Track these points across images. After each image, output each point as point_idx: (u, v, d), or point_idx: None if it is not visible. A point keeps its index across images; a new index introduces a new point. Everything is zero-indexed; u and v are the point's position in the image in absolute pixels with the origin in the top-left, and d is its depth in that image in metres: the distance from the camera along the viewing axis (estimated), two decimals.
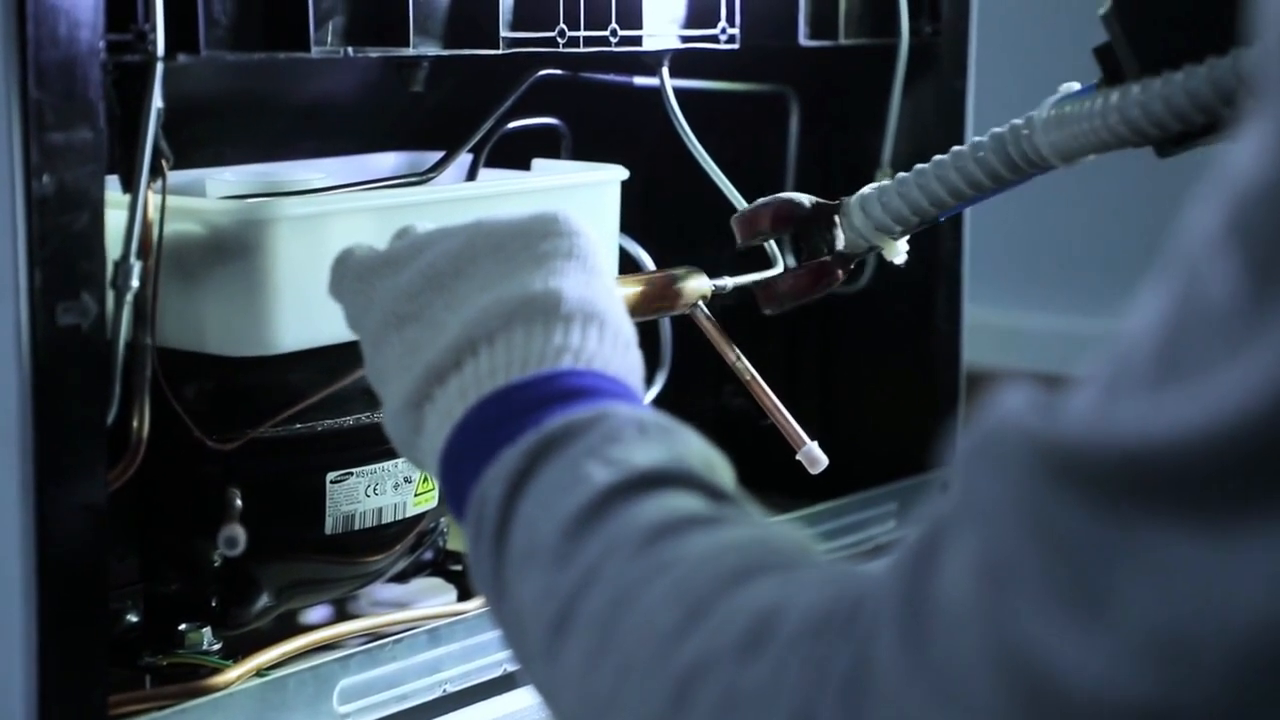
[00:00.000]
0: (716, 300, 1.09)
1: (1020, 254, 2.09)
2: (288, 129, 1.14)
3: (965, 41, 1.30)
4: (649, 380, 1.24)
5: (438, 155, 1.11)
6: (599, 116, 1.21)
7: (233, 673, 0.92)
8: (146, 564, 0.97)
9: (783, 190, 1.33)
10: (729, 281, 1.11)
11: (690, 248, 1.30)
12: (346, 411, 0.96)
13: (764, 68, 1.29)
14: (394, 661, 0.97)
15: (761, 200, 0.94)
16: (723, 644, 0.50)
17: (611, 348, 0.69)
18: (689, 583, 0.53)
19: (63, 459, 0.79)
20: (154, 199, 0.85)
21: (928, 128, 1.30)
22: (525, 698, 0.97)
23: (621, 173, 1.12)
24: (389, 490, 0.99)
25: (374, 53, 0.94)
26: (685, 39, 1.11)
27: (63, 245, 0.78)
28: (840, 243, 0.92)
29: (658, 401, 1.23)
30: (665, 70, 1.12)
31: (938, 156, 0.88)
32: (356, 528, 0.98)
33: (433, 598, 1.09)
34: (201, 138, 1.06)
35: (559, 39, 1.03)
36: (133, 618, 0.97)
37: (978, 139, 0.86)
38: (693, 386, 1.34)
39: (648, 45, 1.09)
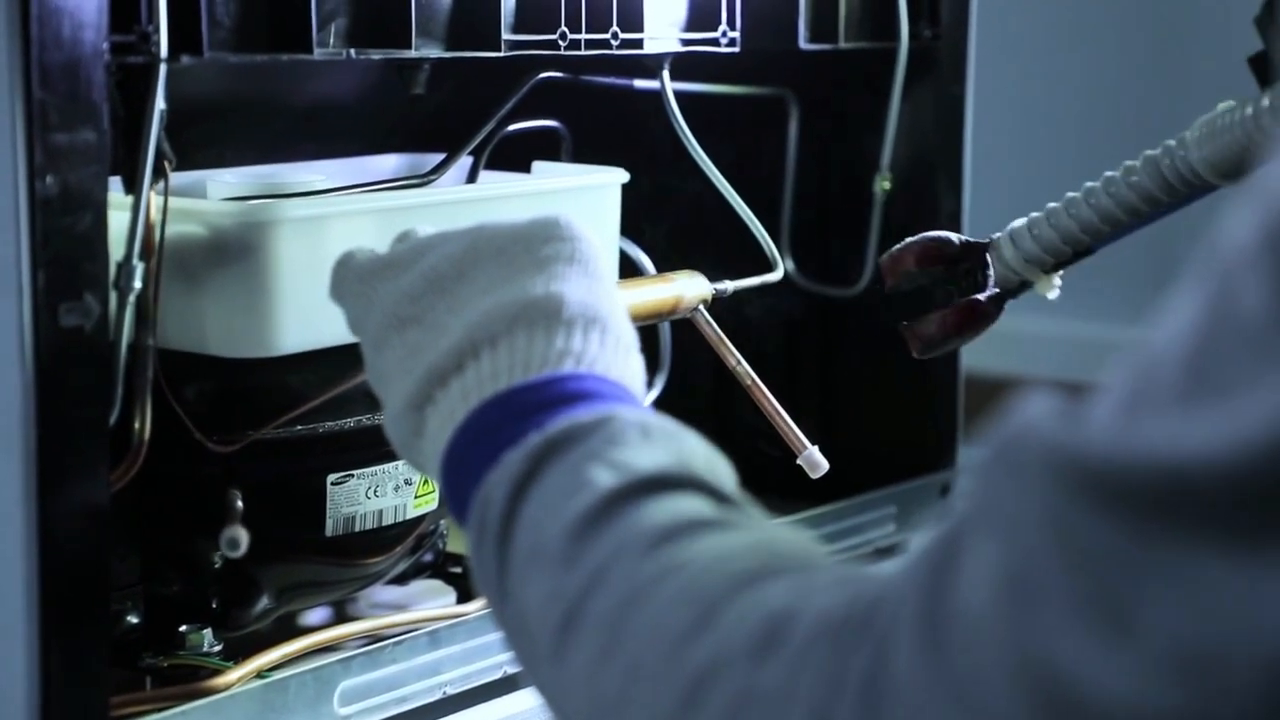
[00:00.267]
0: (716, 304, 1.09)
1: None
2: (288, 131, 1.14)
3: (964, 46, 1.30)
4: (649, 383, 1.24)
5: (438, 157, 1.11)
6: (599, 119, 1.21)
7: (233, 674, 0.92)
8: (147, 565, 0.97)
9: (782, 196, 1.33)
10: (729, 285, 1.12)
11: (690, 250, 1.31)
12: (347, 413, 0.97)
13: (764, 71, 1.29)
14: (394, 663, 0.97)
15: (907, 240, 0.91)
16: (735, 645, 0.50)
17: (613, 352, 0.69)
18: (699, 584, 0.53)
19: (65, 460, 0.79)
20: (156, 200, 0.85)
21: (927, 131, 1.30)
22: (526, 700, 0.97)
23: (622, 175, 1.12)
24: (390, 492, 0.99)
25: (376, 55, 0.94)
26: (686, 42, 1.12)
27: (66, 246, 0.78)
28: (991, 280, 0.89)
29: (657, 404, 1.23)
30: (666, 73, 1.13)
31: (1088, 184, 0.85)
32: (357, 530, 0.98)
33: (433, 600, 1.09)
34: (202, 139, 1.06)
35: (560, 41, 1.03)
36: (133, 619, 0.97)
37: (1129, 163, 0.83)
38: (692, 390, 1.35)
39: (649, 48, 1.09)
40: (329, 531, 0.97)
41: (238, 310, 0.92)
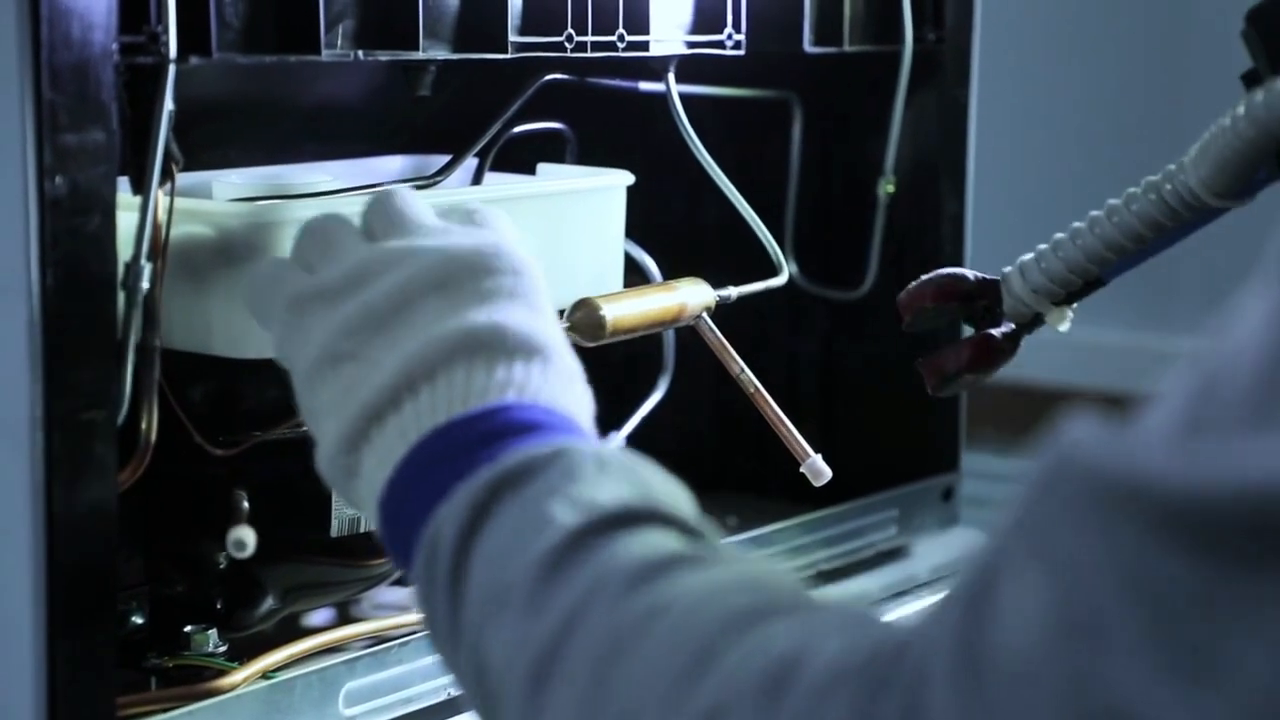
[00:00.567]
0: (719, 308, 1.09)
1: None
2: (293, 132, 1.14)
3: (969, 49, 1.30)
4: (652, 388, 1.25)
5: (443, 159, 1.11)
6: (604, 121, 1.21)
7: (238, 675, 0.92)
8: (152, 566, 0.97)
9: (785, 198, 1.33)
10: (733, 292, 1.12)
11: (695, 253, 1.31)
12: None
13: (768, 73, 1.30)
14: (400, 665, 0.97)
15: (924, 277, 0.91)
16: (741, 688, 0.48)
17: (556, 383, 0.68)
18: (692, 625, 0.51)
19: (73, 460, 0.79)
20: (162, 201, 0.86)
21: (930, 135, 1.30)
22: None
23: (627, 178, 1.12)
24: None
25: (384, 56, 0.95)
26: (691, 44, 1.12)
27: (75, 246, 0.78)
28: (1005, 315, 0.89)
29: (660, 412, 1.23)
30: (671, 75, 1.13)
31: (1093, 213, 0.84)
32: (362, 531, 0.98)
33: None
34: (207, 140, 1.06)
35: (566, 44, 1.03)
36: (138, 619, 0.97)
37: (1131, 189, 0.82)
38: (695, 397, 1.35)
39: (654, 50, 1.09)
40: (334, 532, 0.97)
41: (244, 311, 0.92)
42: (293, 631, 1.00)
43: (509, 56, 1.00)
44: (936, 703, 0.41)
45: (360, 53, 0.93)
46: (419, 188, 1.08)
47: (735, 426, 1.39)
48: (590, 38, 1.04)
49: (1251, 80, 0.76)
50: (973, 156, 1.31)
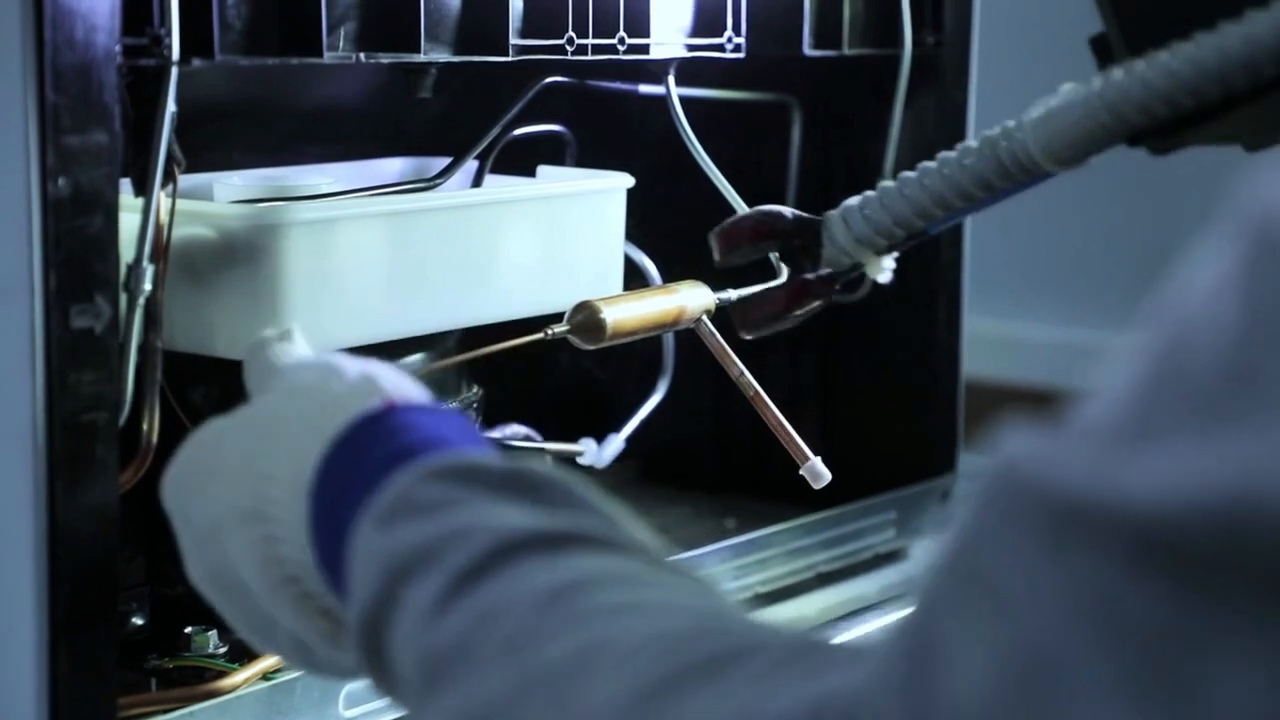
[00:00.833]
0: (719, 311, 1.09)
1: (1021, 265, 2.09)
2: (294, 133, 1.15)
3: (967, 53, 1.31)
4: (652, 390, 1.25)
5: (443, 161, 1.12)
6: (604, 124, 1.21)
7: (239, 676, 0.92)
8: (153, 567, 0.97)
9: (784, 200, 1.34)
10: (733, 294, 1.12)
11: (694, 256, 1.31)
12: None
13: (767, 76, 1.30)
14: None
15: (740, 214, 0.88)
16: None
17: (411, 385, 0.67)
18: (632, 672, 0.47)
19: (75, 461, 0.79)
20: (164, 202, 0.86)
21: (929, 138, 1.30)
22: None
23: (627, 180, 1.12)
24: None
25: (385, 58, 0.95)
26: (692, 47, 1.12)
27: (77, 248, 0.79)
28: (822, 259, 0.84)
29: (659, 415, 1.24)
30: (671, 78, 1.13)
31: (924, 163, 0.80)
32: None
33: None
34: (208, 141, 1.06)
35: (567, 46, 1.03)
36: (139, 620, 0.97)
37: (967, 143, 0.78)
38: (694, 399, 1.35)
39: (655, 54, 1.10)
40: None
41: (246, 312, 0.92)
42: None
43: (510, 59, 1.01)
44: None
45: (362, 55, 0.93)
46: (419, 190, 1.09)
47: (734, 429, 1.39)
48: (591, 40, 1.05)
49: (1099, 47, 0.72)
50: None
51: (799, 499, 1.20)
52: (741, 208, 1.17)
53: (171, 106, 0.84)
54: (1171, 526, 0.32)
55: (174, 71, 0.83)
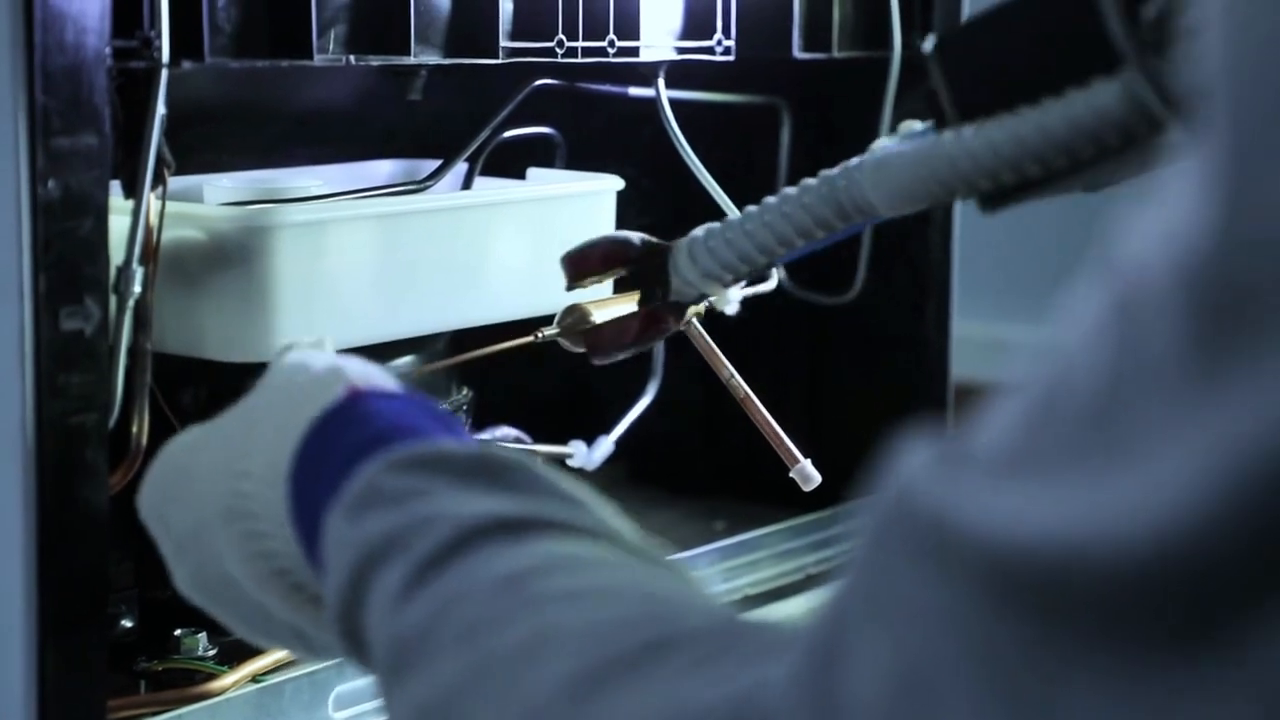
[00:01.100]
0: (708, 313, 1.09)
1: (1010, 267, 2.10)
2: (284, 136, 1.15)
3: None
4: (641, 393, 1.25)
5: (433, 163, 1.12)
6: (594, 126, 1.21)
7: (228, 678, 0.92)
8: (143, 569, 0.97)
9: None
10: (730, 304, 1.12)
11: None
12: None
13: (757, 79, 1.30)
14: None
15: (591, 240, 0.88)
16: None
17: (378, 374, 0.67)
18: (566, 664, 0.48)
19: (65, 464, 0.79)
20: (154, 204, 0.86)
21: None
22: None
23: (616, 182, 1.12)
24: None
25: (376, 61, 0.95)
26: (681, 50, 1.12)
27: (67, 250, 0.79)
28: (670, 290, 0.85)
29: (649, 417, 1.24)
30: (661, 81, 1.13)
31: (768, 199, 0.81)
32: None
33: None
34: (198, 143, 1.06)
35: (557, 49, 1.03)
36: (128, 622, 0.97)
37: (807, 181, 0.79)
38: (684, 401, 1.35)
39: (645, 56, 1.10)
40: None
41: (237, 314, 0.92)
42: None
43: (500, 61, 1.01)
44: None
45: (352, 57, 0.93)
46: (409, 192, 1.09)
47: (724, 431, 1.39)
48: (581, 43, 1.05)
49: (932, 100, 0.71)
50: None
51: (788, 501, 1.21)
52: (731, 210, 1.18)
53: (161, 109, 0.84)
54: (1021, 562, 0.33)
55: (164, 74, 0.83)
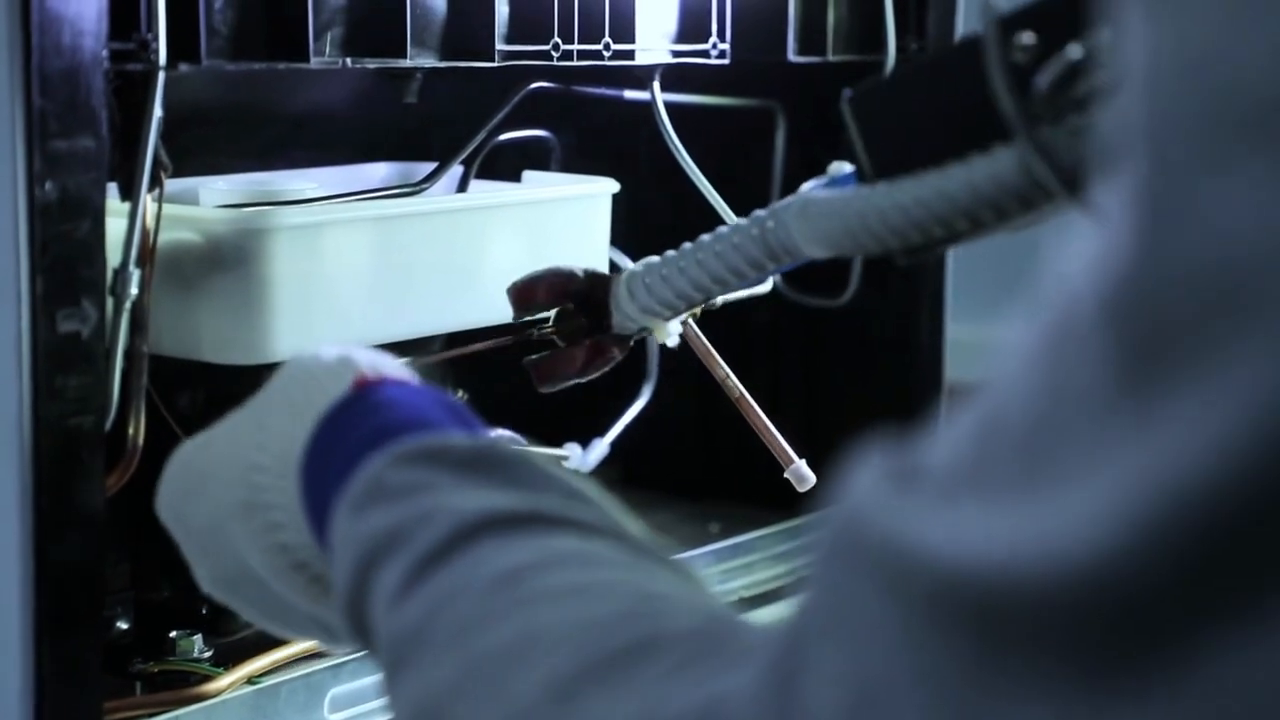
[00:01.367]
0: (703, 315, 1.09)
1: (1003, 271, 2.10)
2: (279, 138, 1.15)
3: None
4: (636, 395, 1.25)
5: (428, 166, 1.12)
6: (589, 129, 1.21)
7: (224, 680, 0.92)
8: (138, 571, 0.97)
9: (770, 200, 1.34)
10: (717, 300, 1.12)
11: None
12: None
13: (752, 82, 1.30)
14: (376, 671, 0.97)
15: (534, 273, 0.89)
16: None
17: (388, 363, 0.67)
18: (549, 665, 0.48)
19: (61, 465, 0.79)
20: (151, 207, 0.86)
21: None
22: None
23: (612, 185, 1.12)
24: None
25: (372, 63, 0.95)
26: (677, 53, 1.12)
27: (64, 252, 0.79)
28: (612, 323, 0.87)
29: (644, 417, 1.24)
30: (656, 84, 1.13)
31: (703, 237, 0.83)
32: None
33: None
34: (194, 146, 1.06)
35: (553, 52, 1.04)
36: (123, 624, 0.97)
37: (740, 222, 0.81)
38: (679, 401, 1.35)
39: (640, 59, 1.10)
40: None
41: (233, 317, 0.92)
42: (278, 637, 1.00)
43: (496, 64, 1.01)
44: None
45: (348, 60, 0.93)
46: (405, 194, 1.09)
47: (718, 434, 1.39)
48: (576, 46, 1.05)
49: (850, 151, 0.71)
50: None
51: (783, 504, 1.21)
52: (726, 213, 1.18)
53: (158, 111, 0.84)
54: (962, 584, 0.34)
55: (161, 76, 0.83)
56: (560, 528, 0.55)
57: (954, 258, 1.33)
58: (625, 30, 1.08)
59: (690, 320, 1.08)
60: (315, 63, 0.91)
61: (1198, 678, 0.32)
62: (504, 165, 1.15)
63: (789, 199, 0.78)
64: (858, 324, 1.34)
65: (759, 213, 0.80)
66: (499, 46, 1.01)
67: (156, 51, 0.83)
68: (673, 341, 0.91)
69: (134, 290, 0.84)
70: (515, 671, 0.49)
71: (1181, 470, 0.31)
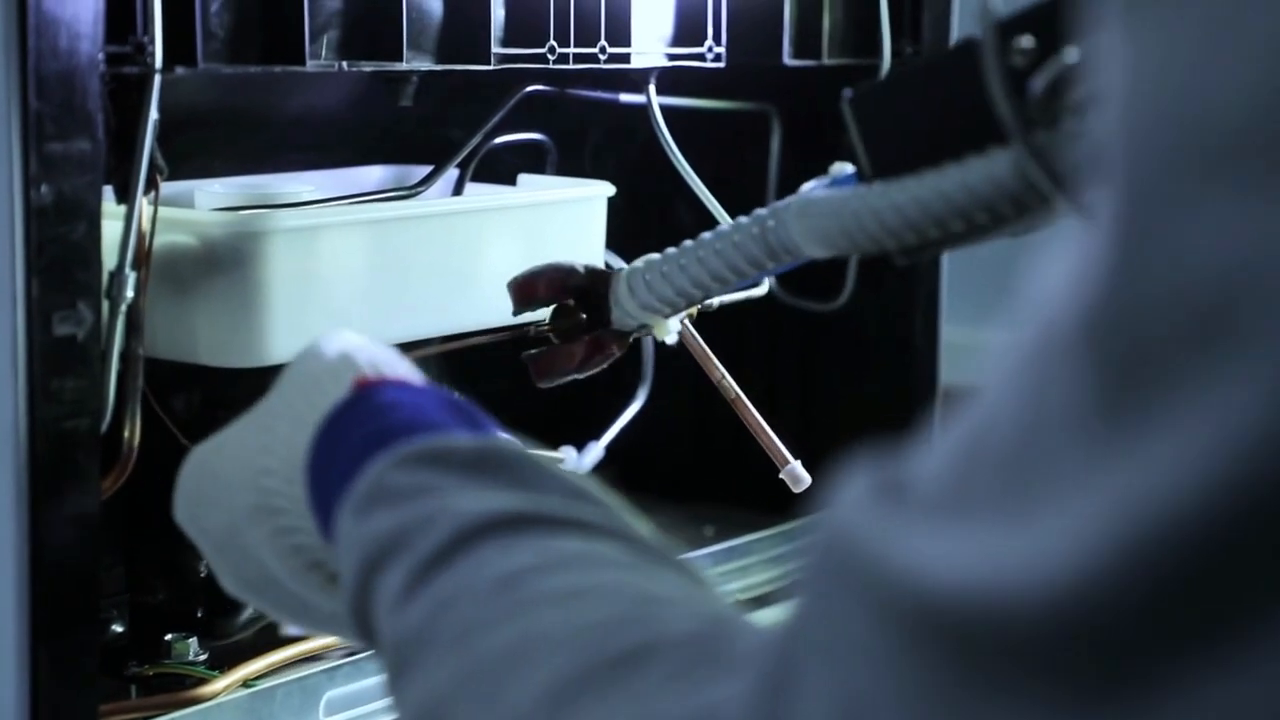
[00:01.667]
0: (699, 317, 1.09)
1: (998, 274, 2.10)
2: (275, 141, 1.15)
3: None
4: (631, 398, 1.25)
5: (424, 169, 1.12)
6: (585, 132, 1.21)
7: (219, 683, 0.92)
8: (134, 574, 0.97)
9: (765, 203, 1.34)
10: (713, 301, 1.12)
11: None
12: None
13: (747, 86, 1.30)
14: (379, 674, 0.97)
15: (535, 268, 0.89)
16: None
17: (389, 360, 0.67)
18: (547, 670, 0.49)
19: (57, 468, 0.79)
20: (146, 210, 0.86)
21: None
22: None
23: (607, 189, 1.12)
24: None
25: (368, 67, 0.95)
26: (672, 57, 1.12)
27: (60, 255, 0.79)
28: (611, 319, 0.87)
29: (640, 418, 1.24)
30: (652, 87, 1.13)
31: (704, 234, 0.83)
32: None
33: None
34: (189, 149, 1.06)
35: (549, 55, 1.04)
36: (118, 627, 0.97)
37: (741, 220, 0.81)
38: (674, 403, 1.35)
39: (636, 63, 1.10)
40: None
41: (229, 320, 0.92)
42: (273, 640, 1.00)
43: (491, 68, 1.01)
44: None
45: (344, 63, 0.93)
46: (401, 198, 1.09)
47: (714, 437, 1.39)
48: (572, 49, 1.05)
49: (851, 151, 0.71)
50: None
51: (778, 506, 1.21)
52: (722, 216, 1.18)
53: (154, 114, 0.84)
54: (943, 606, 0.34)
55: (157, 79, 0.83)
56: (563, 528, 0.55)
57: (949, 261, 1.33)
58: (621, 33, 1.08)
59: (687, 322, 1.08)
60: (311, 66, 0.91)
61: (1176, 702, 0.32)
62: (500, 168, 1.15)
63: (790, 198, 0.78)
64: (853, 326, 1.34)
65: (760, 211, 0.80)
66: (495, 50, 1.01)
67: (152, 54, 0.83)
68: (671, 339, 0.91)
69: (130, 293, 0.84)
70: (512, 677, 0.49)
71: (1156, 496, 0.31)
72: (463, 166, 1.13)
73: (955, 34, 1.32)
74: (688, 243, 0.84)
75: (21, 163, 0.77)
